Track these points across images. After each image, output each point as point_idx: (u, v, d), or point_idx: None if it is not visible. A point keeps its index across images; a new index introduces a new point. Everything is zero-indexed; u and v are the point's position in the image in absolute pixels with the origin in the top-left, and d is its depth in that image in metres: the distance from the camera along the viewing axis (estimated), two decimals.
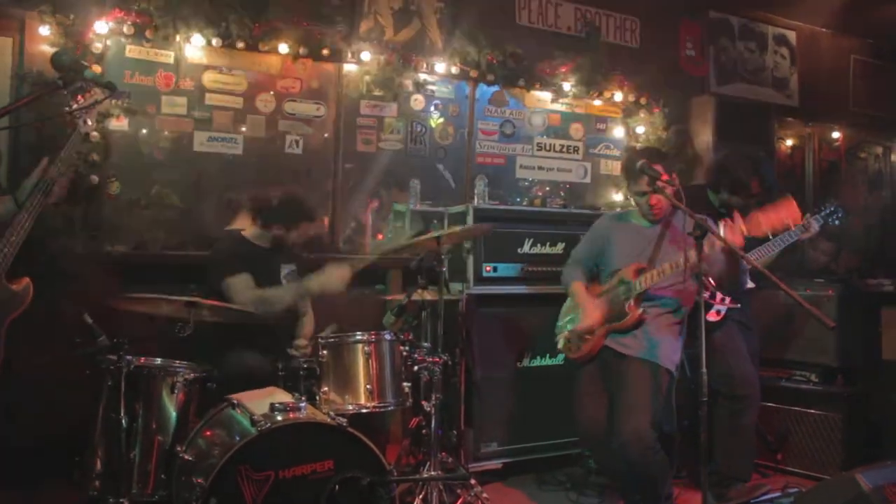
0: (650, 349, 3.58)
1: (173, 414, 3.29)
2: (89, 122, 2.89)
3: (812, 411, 4.66)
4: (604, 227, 3.98)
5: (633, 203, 3.89)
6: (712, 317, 4.12)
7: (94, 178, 4.27)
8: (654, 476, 3.50)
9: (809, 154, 7.56)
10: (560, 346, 3.94)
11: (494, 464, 4.52)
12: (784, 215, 3.32)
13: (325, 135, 5.19)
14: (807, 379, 4.79)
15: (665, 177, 3.46)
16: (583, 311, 3.77)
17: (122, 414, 3.08)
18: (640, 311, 3.60)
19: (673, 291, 3.62)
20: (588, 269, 3.94)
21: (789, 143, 7.43)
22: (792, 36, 7.49)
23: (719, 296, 4.12)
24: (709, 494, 3.26)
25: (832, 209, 4.27)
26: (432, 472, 3.75)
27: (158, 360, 3.34)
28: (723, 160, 4.42)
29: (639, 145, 5.92)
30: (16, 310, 2.71)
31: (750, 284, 4.16)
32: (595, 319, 3.70)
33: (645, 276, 3.58)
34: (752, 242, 4.19)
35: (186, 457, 3.08)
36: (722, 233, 3.28)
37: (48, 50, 4.12)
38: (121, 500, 3.08)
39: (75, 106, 2.95)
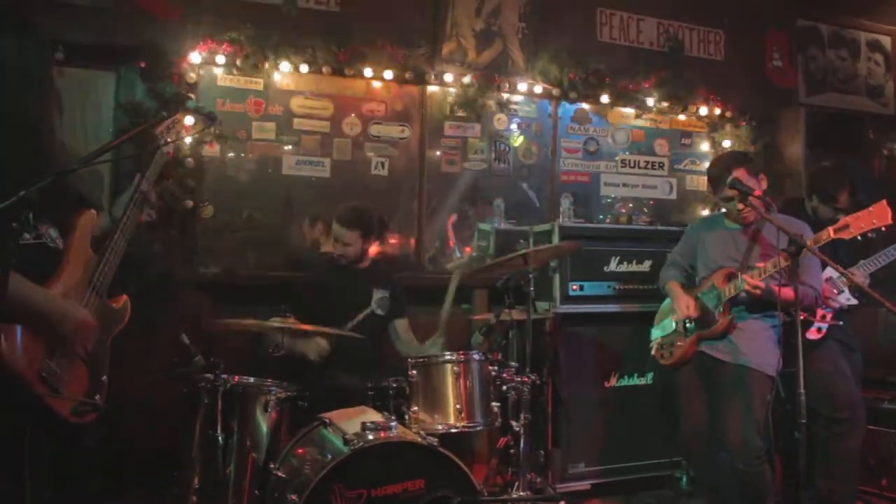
0: (748, 355, 3.52)
1: (266, 431, 3.34)
2: (170, 141, 2.99)
3: None
4: (695, 230, 3.98)
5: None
6: (812, 335, 3.96)
7: (189, 203, 4.45)
8: (759, 488, 3.43)
9: None
10: (653, 352, 3.94)
11: (582, 484, 4.46)
12: (874, 216, 3.21)
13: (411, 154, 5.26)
14: None
15: (758, 192, 3.40)
16: (677, 304, 3.74)
17: (218, 431, 3.14)
18: (730, 317, 3.56)
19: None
20: (684, 269, 3.95)
21: (885, 153, 7.13)
22: (887, 41, 7.20)
23: (819, 313, 3.98)
24: None
25: None
26: (521, 493, 3.72)
27: (252, 380, 3.41)
28: (819, 169, 4.38)
29: (725, 152, 5.73)
30: (117, 326, 2.83)
31: (851, 301, 4.01)
32: (691, 311, 3.66)
33: (735, 283, 3.52)
34: (857, 255, 4.05)
35: (280, 474, 3.13)
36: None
37: (148, 83, 4.32)
38: None
39: (159, 129, 3.06)
